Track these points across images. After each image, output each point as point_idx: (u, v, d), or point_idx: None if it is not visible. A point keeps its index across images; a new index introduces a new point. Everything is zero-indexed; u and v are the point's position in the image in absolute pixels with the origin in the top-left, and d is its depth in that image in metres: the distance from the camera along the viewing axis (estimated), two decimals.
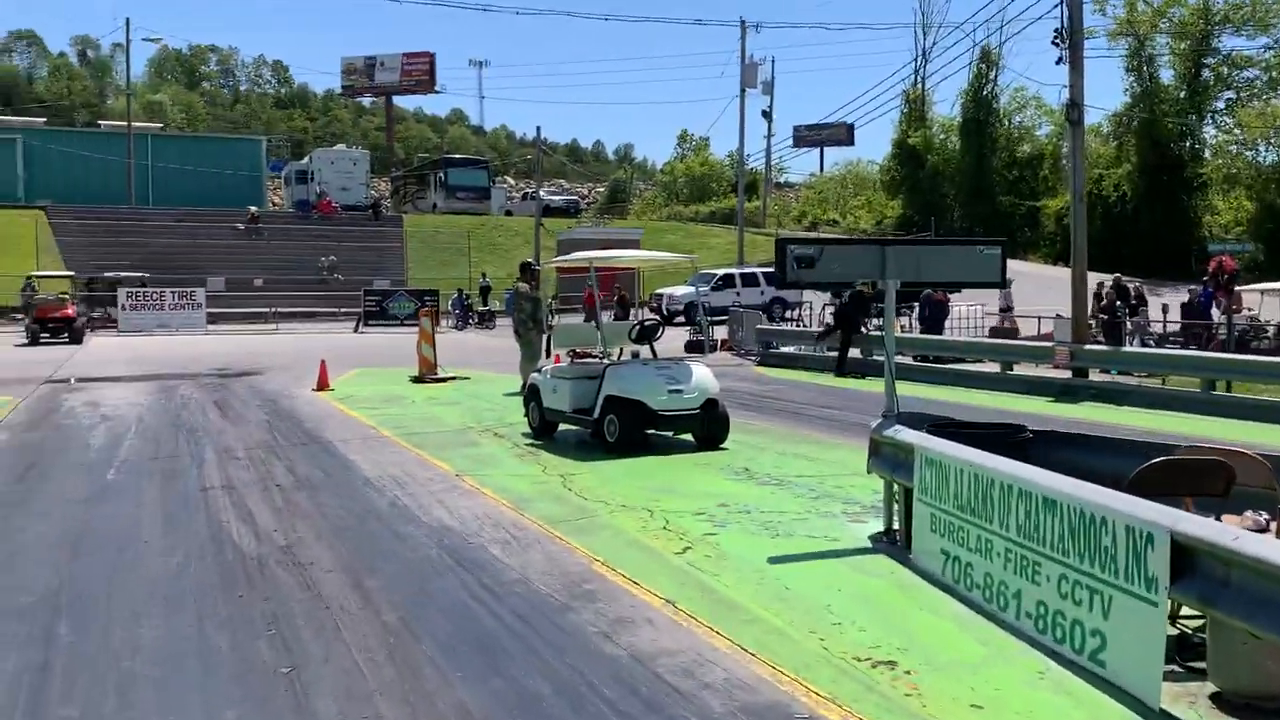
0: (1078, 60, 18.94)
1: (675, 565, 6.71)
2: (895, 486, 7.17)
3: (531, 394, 12.53)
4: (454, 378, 18.90)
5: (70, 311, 28.90)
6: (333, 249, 46.91)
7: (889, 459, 7.20)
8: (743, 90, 48.58)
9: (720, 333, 27.98)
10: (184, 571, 6.74)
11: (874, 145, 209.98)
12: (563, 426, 12.13)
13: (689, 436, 11.55)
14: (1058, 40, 19.39)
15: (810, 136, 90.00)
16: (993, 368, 18.93)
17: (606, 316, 36.50)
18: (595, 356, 12.36)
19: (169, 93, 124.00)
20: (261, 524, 7.96)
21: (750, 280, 37.84)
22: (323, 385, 17.42)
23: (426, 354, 19.00)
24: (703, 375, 11.36)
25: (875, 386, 18.74)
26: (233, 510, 8.43)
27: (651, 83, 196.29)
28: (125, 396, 16.44)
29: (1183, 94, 52.32)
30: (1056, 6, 18.81)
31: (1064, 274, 48.27)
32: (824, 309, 31.19)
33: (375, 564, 6.86)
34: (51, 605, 6.01)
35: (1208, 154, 53.01)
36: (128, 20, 53.57)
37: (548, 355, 13.80)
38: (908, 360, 20.99)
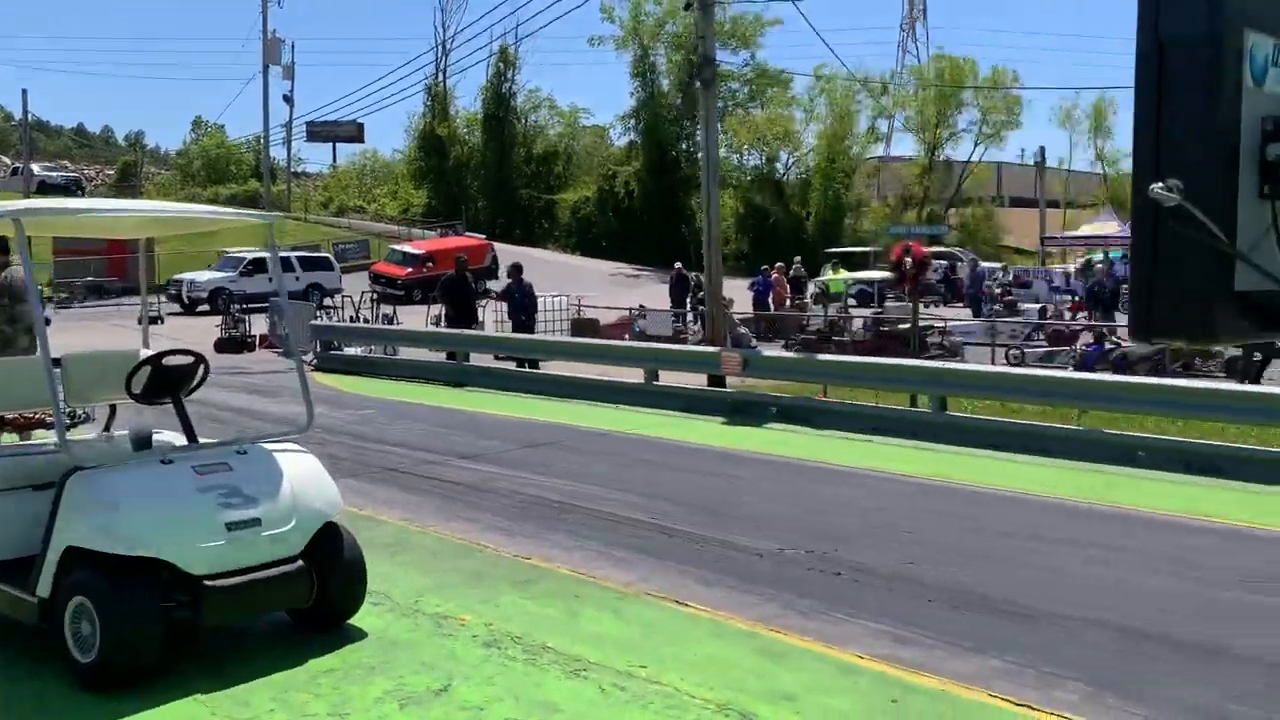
0: (709, 8, 14.40)
1: None
2: None
3: None
4: None
5: None
6: None
7: None
8: (266, 67, 40.26)
9: (257, 327, 20.76)
10: None
11: (385, 137, 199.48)
12: None
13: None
14: None
15: (323, 132, 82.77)
16: (588, 371, 13.64)
17: None
18: (48, 426, 5.26)
19: None
20: None
21: (285, 266, 30.08)
22: None
23: None
24: (304, 474, 4.72)
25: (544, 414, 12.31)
26: None
27: (165, 64, 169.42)
28: None
29: (679, 101, 52.42)
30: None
31: (583, 262, 46.31)
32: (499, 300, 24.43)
33: None
34: None
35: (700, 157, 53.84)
36: None
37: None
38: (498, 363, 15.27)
